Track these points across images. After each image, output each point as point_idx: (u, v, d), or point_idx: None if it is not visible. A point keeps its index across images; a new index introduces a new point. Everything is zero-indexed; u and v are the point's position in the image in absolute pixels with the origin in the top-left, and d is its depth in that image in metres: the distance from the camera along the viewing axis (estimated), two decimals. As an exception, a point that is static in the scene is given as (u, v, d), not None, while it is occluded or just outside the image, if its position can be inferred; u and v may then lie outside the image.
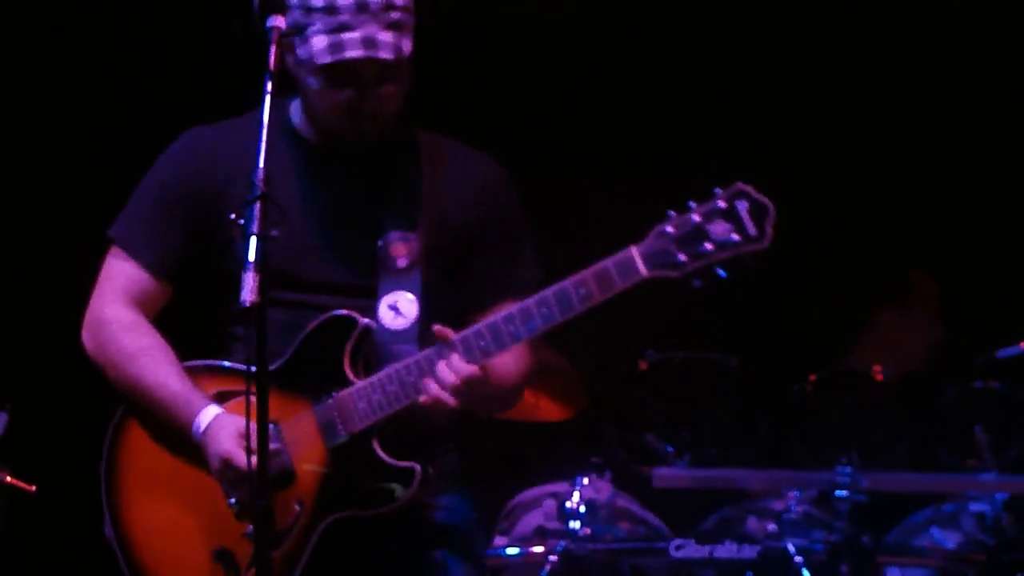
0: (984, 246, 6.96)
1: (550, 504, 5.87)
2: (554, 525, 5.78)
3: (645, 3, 7.59)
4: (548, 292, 3.98)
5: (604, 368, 6.39)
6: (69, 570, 6.49)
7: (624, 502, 5.96)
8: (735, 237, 3.89)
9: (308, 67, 4.09)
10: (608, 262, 3.93)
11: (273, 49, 3.81)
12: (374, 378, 4.08)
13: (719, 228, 3.93)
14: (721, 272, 3.89)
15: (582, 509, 5.77)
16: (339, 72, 4.08)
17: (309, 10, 4.06)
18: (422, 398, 4.06)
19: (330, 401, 4.09)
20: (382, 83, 4.12)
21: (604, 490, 5.89)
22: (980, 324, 6.60)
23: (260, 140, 3.72)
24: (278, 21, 3.81)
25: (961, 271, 6.86)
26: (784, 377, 6.35)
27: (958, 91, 7.37)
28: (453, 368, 3.96)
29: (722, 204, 3.90)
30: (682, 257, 3.89)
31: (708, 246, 3.88)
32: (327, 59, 4.03)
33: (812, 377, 6.20)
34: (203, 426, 4.11)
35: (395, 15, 4.09)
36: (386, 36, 4.07)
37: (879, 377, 6.18)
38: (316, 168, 4.27)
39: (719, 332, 6.61)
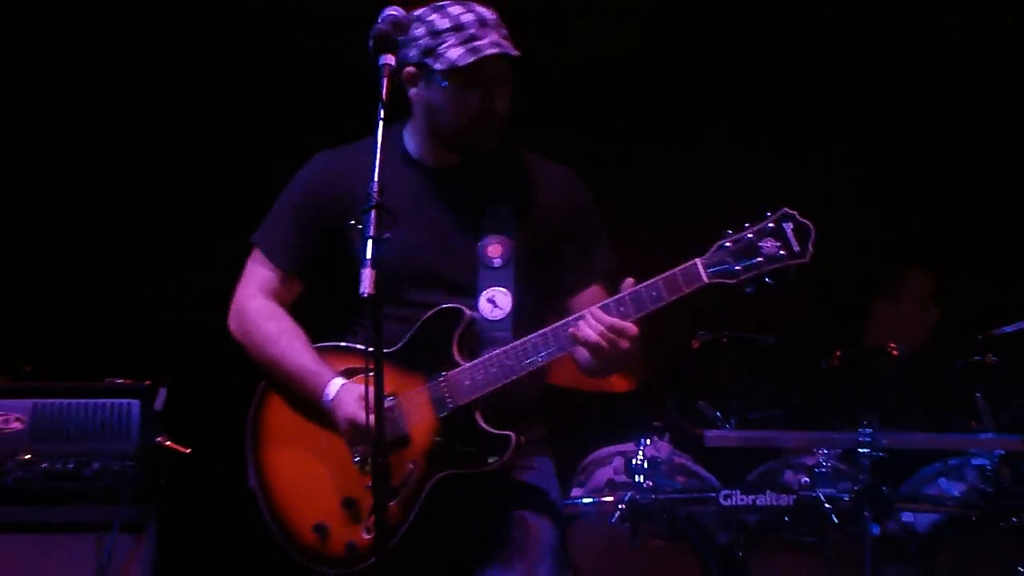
0: (984, 243, 7.02)
1: (619, 461, 6.07)
2: (622, 479, 6.01)
3: (705, 42, 7.57)
4: (625, 295, 4.19)
5: (663, 347, 6.16)
6: (220, 520, 6.29)
7: (680, 459, 6.18)
8: (782, 252, 4.16)
9: (445, 75, 4.32)
10: (676, 271, 4.19)
11: (385, 82, 4.03)
12: (478, 361, 4.30)
13: (768, 244, 4.18)
14: (769, 281, 4.17)
15: (645, 465, 5.99)
16: (473, 73, 4.28)
17: (437, 33, 4.32)
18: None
19: (441, 379, 4.29)
20: (502, 84, 4.36)
21: (663, 449, 6.14)
22: (980, 308, 6.64)
23: (375, 158, 3.96)
24: (389, 59, 4.02)
25: (964, 265, 6.98)
26: (814, 353, 6.48)
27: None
28: (598, 318, 4.19)
29: (771, 225, 4.18)
30: (737, 267, 4.16)
31: (759, 259, 4.15)
32: (469, 59, 4.26)
33: (837, 353, 6.40)
34: (331, 395, 4.33)
35: (503, 28, 4.35)
36: (506, 41, 4.29)
37: (895, 352, 6.39)
38: (425, 184, 4.46)
39: (759, 316, 6.30)
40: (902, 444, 6.08)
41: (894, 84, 7.52)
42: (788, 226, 4.18)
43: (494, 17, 4.36)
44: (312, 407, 4.47)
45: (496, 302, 4.44)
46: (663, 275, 4.20)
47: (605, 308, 4.23)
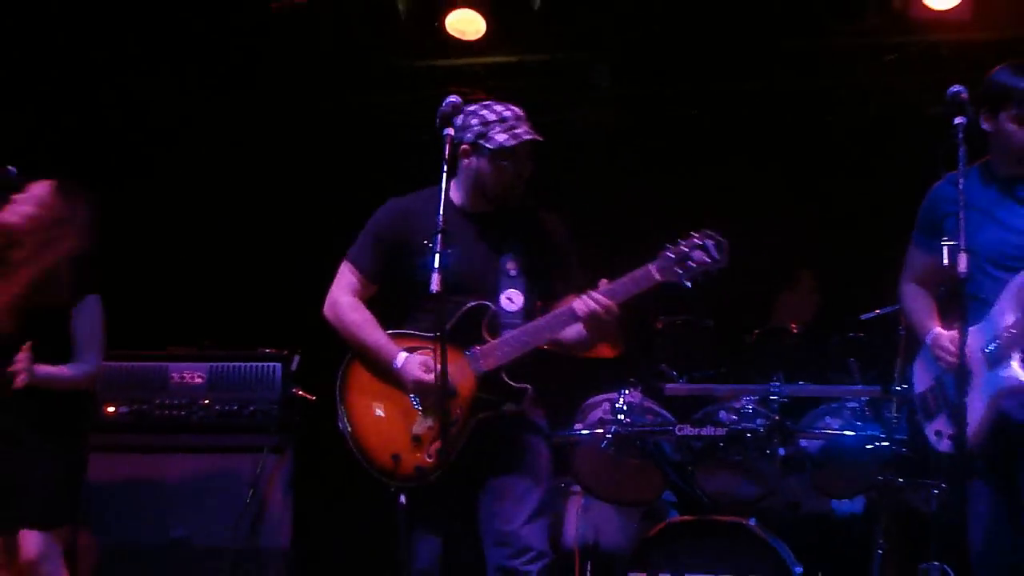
0: (855, 253, 7.32)
1: (606, 405, 6.43)
2: (609, 417, 6.35)
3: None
4: (604, 288, 4.68)
5: (637, 327, 6.78)
6: (336, 445, 5.75)
7: (649, 404, 6.47)
8: (707, 260, 4.67)
9: (494, 153, 4.75)
10: (637, 272, 4.71)
11: (447, 148, 4.57)
12: (500, 339, 4.79)
13: (698, 255, 4.68)
14: (699, 279, 4.68)
15: (624, 408, 6.34)
16: (512, 152, 4.75)
17: (488, 123, 4.77)
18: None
19: (476, 351, 4.76)
20: (528, 159, 4.82)
21: (637, 397, 6.44)
22: (852, 300, 6.84)
23: (440, 201, 4.51)
24: (449, 131, 4.59)
25: (845, 271, 7.32)
26: (739, 331, 7.03)
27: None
28: (596, 299, 4.63)
29: (698, 241, 4.67)
30: (678, 270, 4.66)
31: (692, 264, 4.65)
32: (513, 143, 4.75)
33: (755, 331, 6.99)
34: (400, 363, 4.81)
35: (528, 122, 4.82)
36: (532, 130, 4.79)
37: (794, 330, 6.95)
38: (466, 223, 4.88)
39: (703, 305, 6.85)
40: (799, 393, 6.56)
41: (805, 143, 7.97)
42: (710, 243, 4.66)
43: (523, 114, 4.83)
44: (385, 372, 4.85)
45: (512, 299, 4.89)
46: (628, 275, 4.70)
47: (594, 295, 4.68)
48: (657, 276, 4.65)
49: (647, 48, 7.74)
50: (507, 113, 4.78)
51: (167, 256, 7.66)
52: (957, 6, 7.02)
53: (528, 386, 4.79)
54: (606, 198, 7.55)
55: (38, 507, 5.61)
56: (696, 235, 4.66)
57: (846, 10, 7.21)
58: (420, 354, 4.78)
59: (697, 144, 8.00)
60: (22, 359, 5.37)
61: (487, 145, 4.75)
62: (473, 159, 4.80)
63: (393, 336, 4.91)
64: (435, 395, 4.62)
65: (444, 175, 4.54)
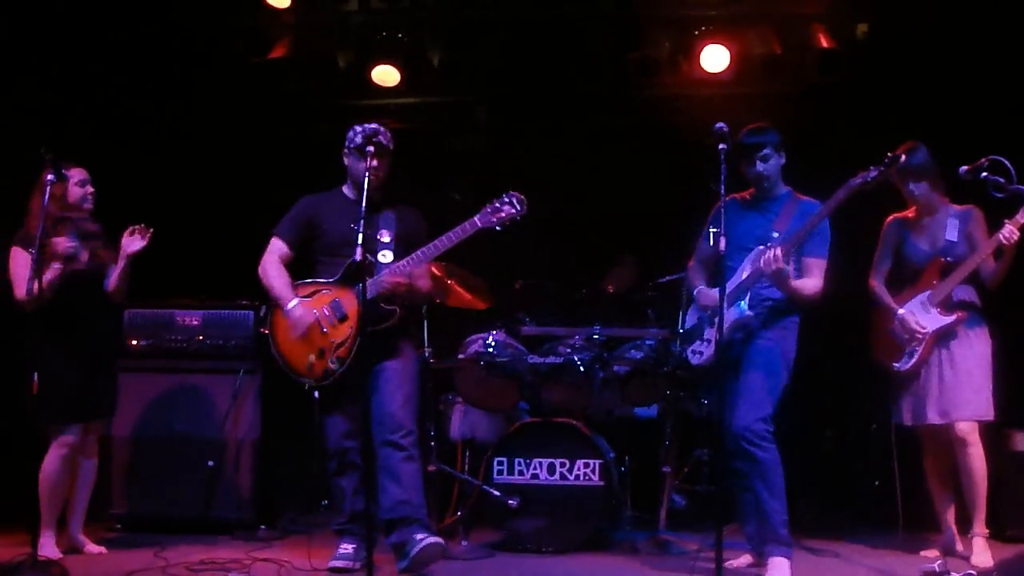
0: (662, 239, 7.17)
1: (481, 341, 6.85)
2: (482, 349, 6.80)
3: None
4: (439, 239, 5.16)
5: (502, 287, 7.34)
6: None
7: (510, 340, 6.91)
8: (513, 210, 5.20)
9: (358, 152, 5.28)
10: (466, 223, 5.22)
11: (349, 167, 5.34)
12: (375, 278, 5.32)
13: (507, 208, 5.23)
14: (508, 225, 5.08)
15: (493, 343, 6.82)
16: (362, 151, 5.25)
17: (356, 133, 5.38)
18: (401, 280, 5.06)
19: (359, 287, 5.14)
20: (384, 158, 5.36)
21: (502, 336, 6.88)
22: (653, 269, 7.28)
23: (362, 202, 4.98)
24: (370, 148, 5.25)
25: (653, 250, 7.48)
26: (573, 291, 7.51)
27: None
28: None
29: (507, 199, 5.19)
30: (493, 219, 5.19)
31: (503, 215, 5.18)
32: (362, 143, 5.31)
33: (584, 290, 7.48)
34: (289, 307, 5.47)
35: (389, 135, 5.37)
36: (388, 138, 5.37)
37: (611, 290, 7.38)
38: (352, 207, 5.31)
39: (548, 273, 7.58)
40: (613, 334, 7.10)
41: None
42: (515, 198, 5.21)
43: (382, 129, 5.35)
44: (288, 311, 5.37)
45: (384, 256, 5.45)
46: (460, 224, 5.25)
47: (433, 244, 5.15)
48: (479, 224, 5.20)
49: (513, 95, 8.27)
50: (369, 127, 5.36)
51: (176, 231, 7.46)
52: (724, 70, 7.88)
53: (396, 308, 5.27)
54: (481, 197, 6.87)
55: (112, 400, 6.43)
56: (505, 195, 5.20)
57: (652, 70, 7.87)
58: (306, 304, 5.41)
59: (548, 163, 8.36)
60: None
61: (351, 146, 5.43)
62: (346, 159, 5.47)
63: (300, 285, 5.50)
64: (302, 329, 5.29)
65: (365, 179, 5.16)
